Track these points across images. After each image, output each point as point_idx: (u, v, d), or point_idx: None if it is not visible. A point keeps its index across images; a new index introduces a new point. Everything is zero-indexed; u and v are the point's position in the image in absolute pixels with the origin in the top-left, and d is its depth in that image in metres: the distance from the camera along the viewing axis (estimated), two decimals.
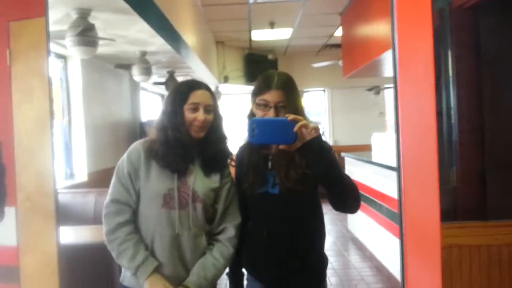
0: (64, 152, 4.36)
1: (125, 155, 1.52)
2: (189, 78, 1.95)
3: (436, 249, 1.06)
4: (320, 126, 1.31)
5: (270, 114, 1.37)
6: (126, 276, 1.53)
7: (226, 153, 1.56)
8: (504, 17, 2.24)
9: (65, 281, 1.74)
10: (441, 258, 1.05)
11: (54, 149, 1.71)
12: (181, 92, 1.47)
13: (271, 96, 1.38)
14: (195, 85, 1.49)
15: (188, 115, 1.45)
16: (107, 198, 1.50)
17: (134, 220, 1.50)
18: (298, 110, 1.39)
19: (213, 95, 1.52)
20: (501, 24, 2.25)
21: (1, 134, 1.66)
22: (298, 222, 1.45)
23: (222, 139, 1.55)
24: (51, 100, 1.74)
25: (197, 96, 1.46)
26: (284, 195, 1.41)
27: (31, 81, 1.73)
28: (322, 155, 1.27)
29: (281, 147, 1.33)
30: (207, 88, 1.51)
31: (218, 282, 1.59)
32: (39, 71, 1.72)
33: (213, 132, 1.51)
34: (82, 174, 4.42)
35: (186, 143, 1.46)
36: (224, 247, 1.52)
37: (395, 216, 3.53)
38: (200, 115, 1.44)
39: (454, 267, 1.73)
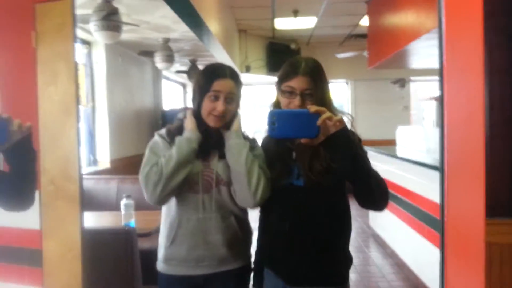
0: (87, 138, 4.42)
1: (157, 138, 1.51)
2: None
3: (480, 250, 0.99)
4: (346, 117, 1.24)
5: (296, 102, 1.30)
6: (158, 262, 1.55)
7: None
8: None
9: (86, 266, 1.74)
10: (484, 260, 0.98)
11: (79, 133, 1.71)
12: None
13: (297, 83, 1.30)
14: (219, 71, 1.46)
15: (208, 104, 1.42)
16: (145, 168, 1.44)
17: None
18: (325, 99, 1.32)
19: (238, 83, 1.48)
20: None
21: (27, 117, 1.65)
22: (322, 217, 1.38)
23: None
24: (77, 85, 1.73)
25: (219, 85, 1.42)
26: (309, 187, 1.34)
27: (57, 65, 1.73)
28: (347, 149, 1.19)
29: (303, 141, 1.26)
30: (231, 75, 1.46)
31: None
32: (64, 55, 1.71)
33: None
34: (105, 161, 4.47)
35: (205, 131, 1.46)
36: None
37: (418, 212, 3.44)
38: (220, 105, 1.41)
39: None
